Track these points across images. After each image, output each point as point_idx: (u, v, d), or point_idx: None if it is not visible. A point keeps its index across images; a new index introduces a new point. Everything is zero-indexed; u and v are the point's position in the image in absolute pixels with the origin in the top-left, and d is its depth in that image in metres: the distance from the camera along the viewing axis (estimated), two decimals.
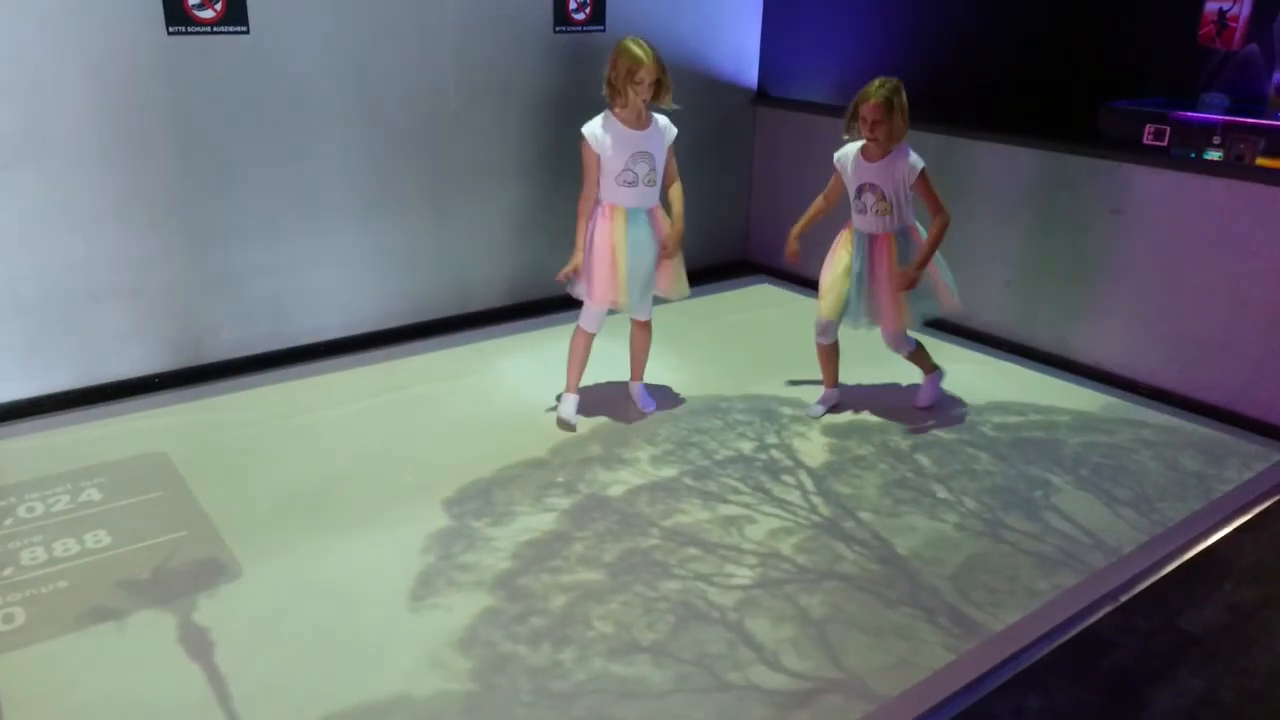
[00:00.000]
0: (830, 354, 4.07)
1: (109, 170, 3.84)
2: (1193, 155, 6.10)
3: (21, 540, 3.03)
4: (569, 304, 5.11)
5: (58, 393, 3.96)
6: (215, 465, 3.52)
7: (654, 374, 4.20)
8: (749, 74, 5.74)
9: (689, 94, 5.49)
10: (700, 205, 5.74)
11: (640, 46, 3.56)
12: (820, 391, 4.14)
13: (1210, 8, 6.88)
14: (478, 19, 4.62)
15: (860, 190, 3.76)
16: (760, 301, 5.53)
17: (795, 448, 3.73)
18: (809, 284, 5.66)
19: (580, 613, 2.74)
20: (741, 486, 3.45)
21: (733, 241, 6.01)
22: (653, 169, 3.70)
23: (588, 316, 3.88)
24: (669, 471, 3.53)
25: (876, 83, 3.59)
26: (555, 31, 4.89)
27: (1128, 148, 5.77)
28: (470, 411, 4.00)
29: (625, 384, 4.15)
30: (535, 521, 3.18)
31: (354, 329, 4.66)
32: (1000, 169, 4.57)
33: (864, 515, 3.29)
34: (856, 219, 3.82)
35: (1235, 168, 5.12)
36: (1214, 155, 6.16)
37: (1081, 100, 6.99)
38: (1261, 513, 3.42)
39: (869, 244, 3.80)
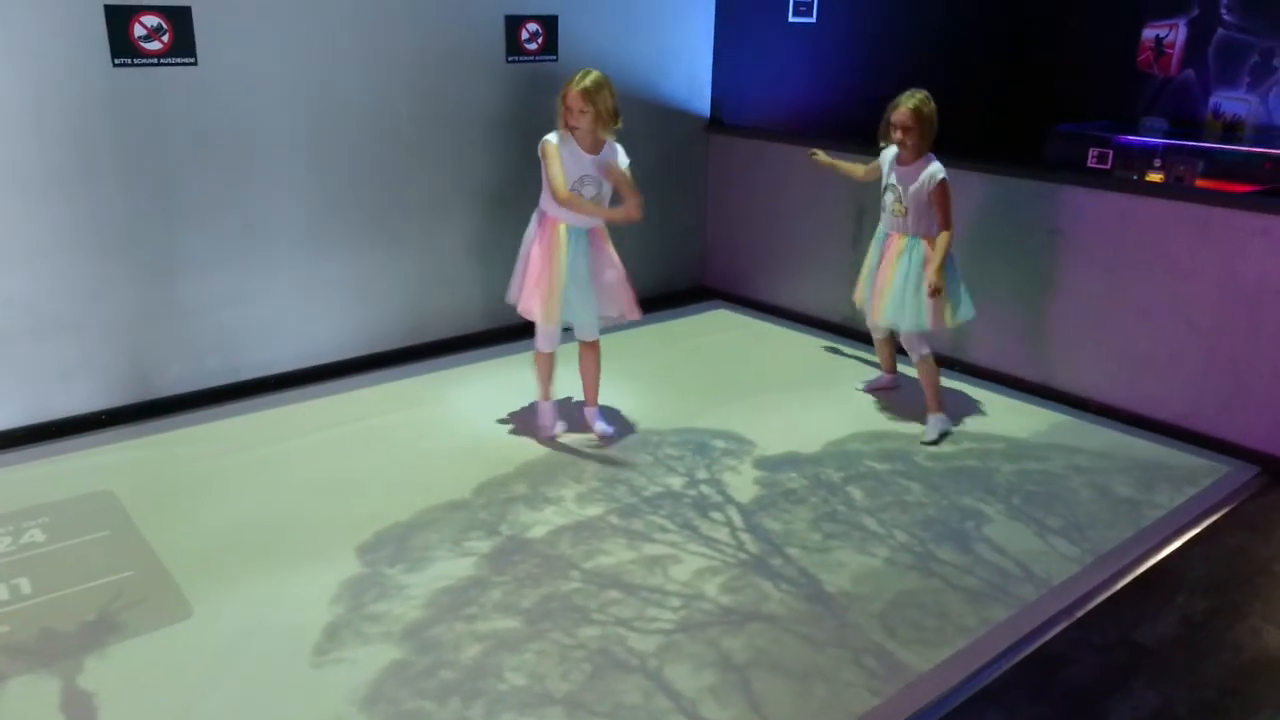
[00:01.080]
0: (882, 345, 4.48)
1: (52, 202, 3.78)
2: (1135, 177, 6.24)
3: None
4: (523, 333, 5.11)
5: (0, 431, 3.86)
6: (163, 503, 3.45)
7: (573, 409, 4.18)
8: (701, 101, 5.79)
9: (642, 122, 5.55)
10: (656, 231, 5.77)
11: (582, 75, 3.59)
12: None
13: (1147, 35, 7.08)
14: (430, 49, 4.61)
15: (886, 189, 4.06)
16: (715, 326, 5.53)
17: (726, 482, 3.67)
18: (765, 308, 5.72)
19: (493, 664, 2.65)
20: (668, 524, 3.37)
21: (689, 267, 6.03)
22: (599, 193, 3.71)
23: (541, 337, 3.91)
24: (594, 510, 3.45)
25: (907, 93, 3.89)
26: (508, 61, 4.90)
27: (1073, 170, 5.90)
28: (414, 446, 3.93)
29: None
30: (452, 567, 3.09)
31: (306, 361, 4.60)
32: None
33: (792, 552, 3.23)
34: (881, 217, 4.13)
35: (1176, 189, 5.25)
36: (1155, 177, 6.32)
37: (1027, 125, 7.15)
38: (1210, 526, 3.48)
39: (884, 243, 4.09)
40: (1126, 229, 4.18)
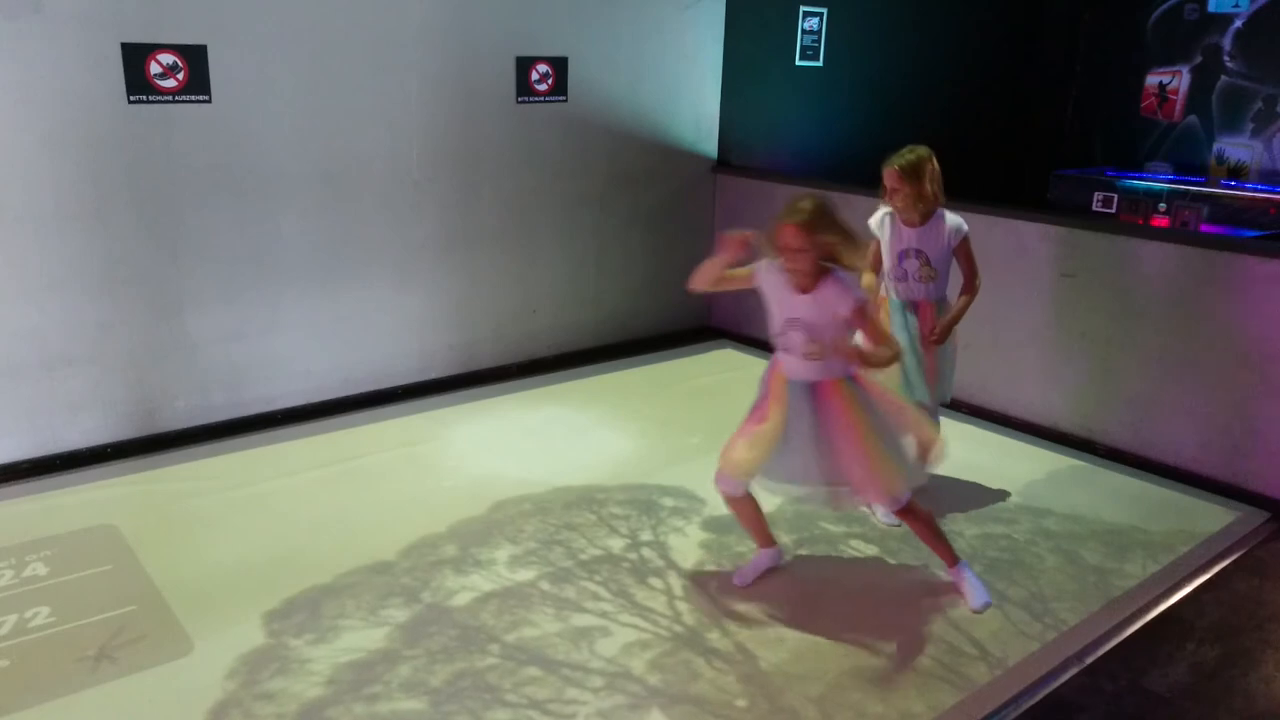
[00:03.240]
0: None
1: (64, 237, 3.81)
2: (1140, 221, 6.27)
3: None
4: (527, 372, 5.13)
5: (6, 464, 3.89)
6: (166, 537, 3.44)
7: (556, 452, 4.16)
8: (709, 142, 5.83)
9: (650, 162, 5.59)
10: (662, 271, 5.79)
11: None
12: None
13: (1151, 81, 7.14)
14: (441, 89, 4.66)
15: (902, 256, 3.60)
16: (716, 367, 5.47)
17: (669, 545, 3.47)
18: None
19: None
20: (602, 592, 3.18)
21: (695, 307, 6.03)
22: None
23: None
24: (525, 575, 3.26)
25: (902, 150, 3.52)
26: (518, 102, 4.95)
27: (1077, 214, 5.93)
28: (378, 493, 3.86)
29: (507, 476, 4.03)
30: (363, 638, 2.91)
31: (311, 397, 4.60)
32: None
33: (730, 624, 3.02)
34: (896, 287, 3.64)
35: (1181, 233, 5.27)
36: (1160, 221, 6.35)
37: (1032, 170, 7.19)
38: (1221, 571, 3.40)
39: (915, 313, 3.64)
40: (1136, 272, 4.18)
